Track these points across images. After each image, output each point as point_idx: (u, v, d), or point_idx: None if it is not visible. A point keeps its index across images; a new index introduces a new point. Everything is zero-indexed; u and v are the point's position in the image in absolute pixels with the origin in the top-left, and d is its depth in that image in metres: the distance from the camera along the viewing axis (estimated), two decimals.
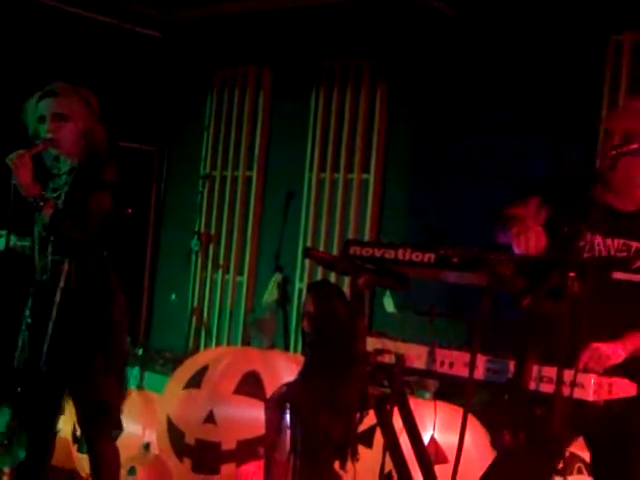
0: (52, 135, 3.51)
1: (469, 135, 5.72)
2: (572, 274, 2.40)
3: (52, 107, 3.55)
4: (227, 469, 4.34)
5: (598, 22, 5.21)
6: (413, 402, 4.13)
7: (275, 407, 2.79)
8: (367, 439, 3.93)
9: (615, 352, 2.71)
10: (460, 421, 3.99)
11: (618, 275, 2.81)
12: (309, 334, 2.75)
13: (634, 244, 2.87)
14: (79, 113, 3.56)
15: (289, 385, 2.97)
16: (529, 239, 2.68)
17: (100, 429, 3.57)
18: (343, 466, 2.62)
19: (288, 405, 2.77)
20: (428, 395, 4.42)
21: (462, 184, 5.71)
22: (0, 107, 5.79)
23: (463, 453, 3.22)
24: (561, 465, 3.48)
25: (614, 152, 2.71)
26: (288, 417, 2.81)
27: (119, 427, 3.79)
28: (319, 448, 2.56)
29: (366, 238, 6.27)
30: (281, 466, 2.69)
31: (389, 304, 5.27)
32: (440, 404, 4.16)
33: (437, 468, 3.52)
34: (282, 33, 6.72)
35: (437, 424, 4.05)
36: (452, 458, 3.50)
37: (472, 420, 4.27)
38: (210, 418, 4.38)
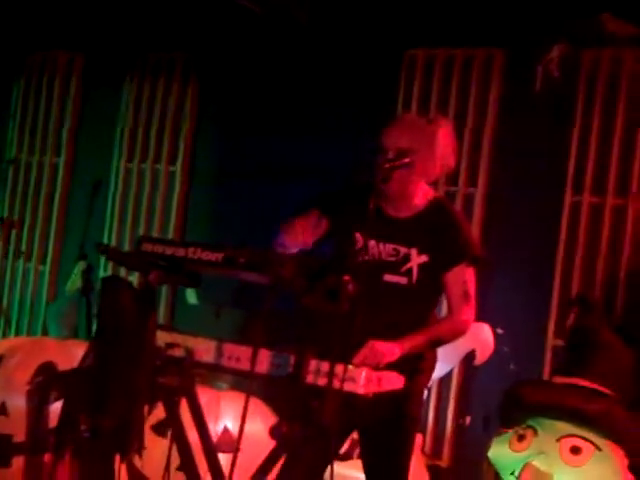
0: None
1: (273, 136, 5.87)
2: (346, 277, 2.59)
3: None
4: (18, 462, 4.29)
5: (394, 37, 5.49)
6: (210, 393, 4.27)
7: (39, 396, 2.82)
8: (163, 430, 4.00)
9: (391, 350, 2.92)
10: (255, 411, 4.16)
11: (387, 277, 3.06)
12: (96, 326, 2.81)
13: (402, 249, 3.09)
14: None
15: (61, 374, 3.01)
16: (294, 232, 2.87)
17: None
18: (123, 459, 2.69)
19: (55, 395, 2.81)
20: (225, 386, 4.54)
21: (264, 181, 5.86)
22: None
23: (256, 442, 3.40)
24: (343, 450, 3.73)
25: (388, 165, 2.93)
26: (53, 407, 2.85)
27: None
28: (95, 440, 2.62)
29: (171, 228, 6.33)
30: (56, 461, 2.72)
31: (191, 296, 5.34)
32: (236, 394, 4.30)
33: (230, 456, 3.66)
34: (97, 19, 6.61)
35: (232, 414, 4.20)
36: (244, 446, 3.66)
37: (265, 409, 4.43)
38: (3, 410, 4.32)
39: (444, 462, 5.26)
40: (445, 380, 5.23)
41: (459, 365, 5.09)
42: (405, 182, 3.04)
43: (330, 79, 5.69)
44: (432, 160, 3.07)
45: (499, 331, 4.68)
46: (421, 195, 3.14)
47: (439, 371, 3.67)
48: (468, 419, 5.04)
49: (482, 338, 4.60)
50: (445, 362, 4.12)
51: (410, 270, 3.08)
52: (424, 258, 3.07)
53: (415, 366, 3.08)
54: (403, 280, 3.08)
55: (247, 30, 5.97)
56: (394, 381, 2.85)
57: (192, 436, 3.02)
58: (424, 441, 5.16)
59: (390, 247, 3.10)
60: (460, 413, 5.22)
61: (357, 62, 5.59)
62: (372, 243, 3.10)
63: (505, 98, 5.34)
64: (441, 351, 3.27)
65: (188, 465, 2.95)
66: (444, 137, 3.10)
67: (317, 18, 5.57)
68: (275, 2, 5.54)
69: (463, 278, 3.08)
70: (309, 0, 5.54)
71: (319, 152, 5.54)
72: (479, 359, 4.64)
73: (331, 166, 5.25)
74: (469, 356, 4.64)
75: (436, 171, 3.13)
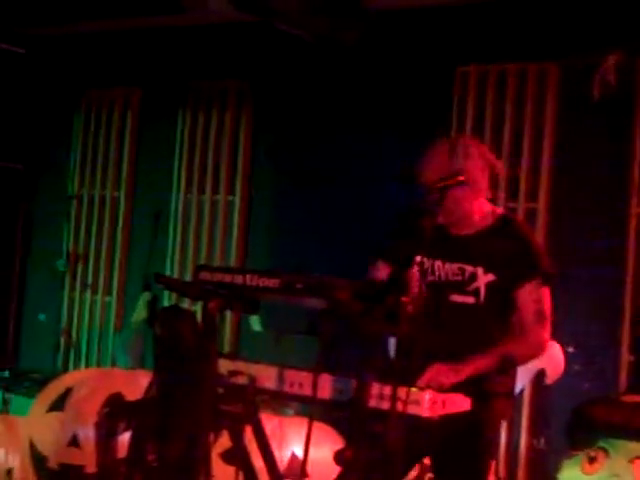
0: None
1: (331, 157, 5.90)
2: (405, 298, 2.57)
3: None
4: None
5: (447, 54, 5.49)
6: (276, 419, 4.28)
7: (107, 427, 2.85)
8: (230, 458, 4.01)
9: (456, 371, 2.86)
10: (323, 437, 4.15)
11: (454, 298, 3.02)
12: (157, 357, 2.84)
13: (468, 268, 3.05)
14: None
15: (129, 405, 3.04)
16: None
17: None
18: None
19: (123, 425, 2.84)
20: (291, 412, 4.54)
21: (326, 206, 5.87)
22: None
23: (325, 468, 3.38)
24: (413, 476, 3.68)
25: (441, 184, 2.92)
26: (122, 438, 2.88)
27: None
28: (163, 470, 2.64)
29: (232, 256, 6.38)
30: None
31: (256, 323, 5.35)
32: (302, 420, 4.30)
33: None
34: (150, 54, 6.76)
35: (300, 440, 4.20)
36: (313, 473, 3.65)
37: (334, 435, 4.42)
38: (74, 441, 4.39)
39: None
40: (516, 401, 5.13)
41: (530, 385, 4.99)
42: (460, 200, 3.02)
43: (382, 100, 5.70)
44: (478, 173, 3.05)
45: (570, 349, 4.59)
46: (485, 212, 3.11)
47: None
48: (542, 440, 4.94)
49: (552, 357, 4.52)
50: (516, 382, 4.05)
51: (477, 289, 3.03)
52: (491, 277, 3.02)
53: (486, 389, 2.99)
54: (470, 300, 3.03)
55: (299, 55, 6.03)
56: (460, 403, 2.79)
57: (260, 463, 3.03)
58: (497, 464, 5.06)
59: (455, 266, 3.06)
60: (533, 434, 5.11)
61: (408, 81, 5.60)
62: (438, 264, 3.08)
63: (562, 111, 5.28)
64: None
65: None
66: (476, 149, 3.08)
67: (366, 40, 5.58)
68: (322, 27, 5.57)
69: (536, 297, 3.00)
70: (357, 22, 5.56)
71: (374, 176, 5.55)
72: (550, 378, 4.55)
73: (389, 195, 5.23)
74: (540, 375, 4.56)
75: (485, 182, 3.09)
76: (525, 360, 3.13)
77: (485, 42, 5.37)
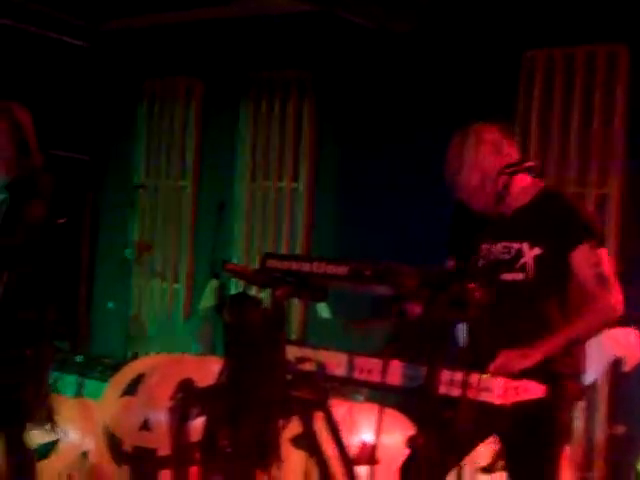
0: None
1: (393, 145, 5.88)
2: (472, 284, 2.56)
3: None
4: (164, 475, 4.43)
5: (512, 38, 5.42)
6: (346, 405, 4.30)
7: (180, 413, 2.90)
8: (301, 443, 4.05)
9: (526, 356, 2.83)
10: (393, 423, 4.16)
11: (504, 276, 3.00)
12: (227, 344, 2.88)
13: (514, 245, 3.02)
14: (4, 128, 3.65)
15: (200, 391, 3.09)
16: None
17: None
18: (265, 471, 2.74)
19: (195, 411, 2.89)
20: (361, 398, 4.55)
21: (386, 194, 5.86)
22: None
23: (395, 453, 3.39)
24: (488, 463, 3.67)
25: (510, 169, 2.90)
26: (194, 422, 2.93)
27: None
28: (236, 455, 2.68)
29: (298, 244, 6.41)
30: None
31: (323, 310, 5.39)
32: (373, 406, 4.31)
33: (368, 469, 3.66)
34: (212, 44, 6.81)
35: (370, 426, 4.21)
36: (383, 459, 3.66)
37: (404, 421, 4.42)
38: (146, 425, 4.47)
39: (596, 474, 5.07)
40: (594, 388, 5.07)
41: (607, 372, 4.92)
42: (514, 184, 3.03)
43: (447, 86, 5.66)
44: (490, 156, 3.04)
45: None
46: (524, 187, 3.07)
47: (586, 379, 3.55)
48: (621, 428, 4.87)
49: (629, 344, 4.47)
50: (590, 371, 4.01)
51: (525, 265, 2.98)
52: (537, 250, 2.96)
53: (553, 371, 2.93)
54: (519, 276, 2.99)
55: (360, 44, 6.01)
56: (533, 390, 2.75)
57: (330, 448, 3.06)
58: (573, 451, 5.01)
59: (500, 245, 3.04)
60: (612, 422, 5.03)
61: (474, 67, 5.54)
62: (484, 246, 3.07)
63: (632, 94, 5.17)
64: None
65: (326, 477, 2.98)
66: (482, 133, 3.09)
67: (428, 25, 5.54)
68: (382, 14, 5.55)
69: (593, 260, 2.90)
70: (420, 8, 5.53)
71: (439, 160, 5.50)
72: (628, 365, 4.49)
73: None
74: (617, 363, 4.50)
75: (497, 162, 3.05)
76: (599, 328, 3.02)
77: (552, 25, 5.28)
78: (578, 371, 3.09)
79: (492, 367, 2.78)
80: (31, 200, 3.58)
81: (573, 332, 2.94)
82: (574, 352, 3.04)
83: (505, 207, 3.06)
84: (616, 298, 2.91)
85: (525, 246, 2.98)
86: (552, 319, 2.97)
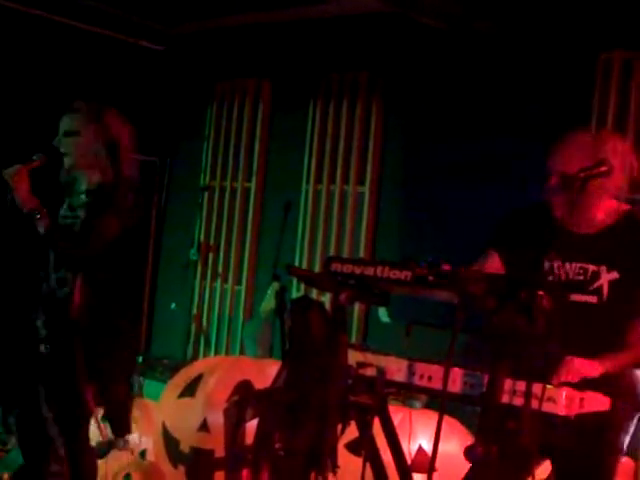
0: (63, 150, 3.66)
1: (464, 149, 5.80)
2: (541, 292, 2.49)
3: (64, 124, 3.69)
4: (220, 476, 4.43)
5: (589, 40, 5.29)
6: (404, 412, 4.25)
7: (236, 414, 2.89)
8: (357, 449, 4.01)
9: (591, 367, 2.78)
10: (450, 431, 4.09)
11: (576, 297, 2.92)
12: (287, 347, 2.86)
13: (591, 267, 2.96)
14: (90, 130, 3.66)
15: (257, 393, 3.08)
16: None
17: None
18: (318, 477, 2.71)
19: (251, 413, 2.87)
20: (418, 404, 4.49)
21: (454, 196, 5.78)
22: (11, 122, 5.94)
23: (452, 462, 3.33)
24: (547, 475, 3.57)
25: (583, 174, 2.81)
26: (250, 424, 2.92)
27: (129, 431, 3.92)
28: (290, 458, 2.65)
29: (361, 248, 6.37)
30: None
31: (384, 314, 5.34)
32: (430, 413, 4.25)
33: (424, 477, 3.59)
34: (281, 46, 6.82)
35: (427, 433, 4.15)
36: (440, 466, 3.60)
37: (462, 429, 4.35)
38: (204, 426, 4.48)
39: None
40: None
41: None
42: (596, 194, 2.91)
43: (519, 87, 5.55)
44: (619, 169, 2.92)
45: None
46: (608, 209, 3.00)
47: None
48: None
49: None
50: None
51: (600, 288, 2.94)
52: (615, 275, 2.92)
53: (614, 388, 2.87)
54: (592, 299, 2.94)
55: (431, 47, 5.95)
56: (598, 402, 2.70)
57: (386, 455, 3.01)
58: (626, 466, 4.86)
59: (577, 266, 2.98)
60: None
61: (548, 69, 5.42)
62: (557, 264, 3.00)
63: None
64: None
65: None
66: (620, 145, 2.98)
67: (502, 27, 5.45)
68: (457, 15, 5.48)
69: None
70: (493, 9, 5.44)
71: (510, 165, 5.42)
72: None
73: (524, 175, 5.11)
74: None
75: (620, 181, 2.96)
76: None
77: (630, 26, 5.13)
78: (636, 385, 3.03)
79: (556, 377, 2.70)
80: (105, 214, 3.57)
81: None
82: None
83: (589, 226, 3.00)
84: None
85: (603, 269, 2.94)
86: (621, 342, 2.92)
